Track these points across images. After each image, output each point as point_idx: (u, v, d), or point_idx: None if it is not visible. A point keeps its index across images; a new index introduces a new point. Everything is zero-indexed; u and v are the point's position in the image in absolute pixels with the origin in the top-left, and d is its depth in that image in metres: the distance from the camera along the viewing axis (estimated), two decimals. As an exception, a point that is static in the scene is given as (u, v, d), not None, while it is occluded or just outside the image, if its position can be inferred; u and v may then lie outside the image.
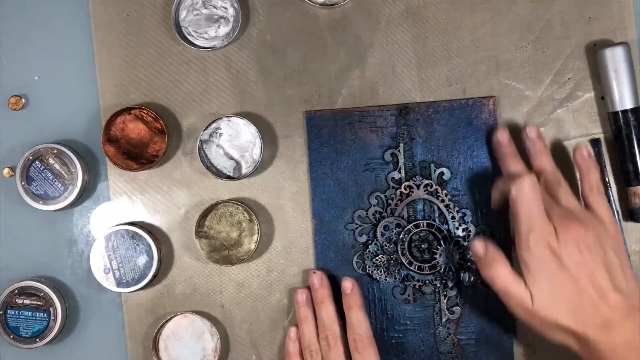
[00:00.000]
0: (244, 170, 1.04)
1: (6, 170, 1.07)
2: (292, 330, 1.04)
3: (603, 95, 1.05)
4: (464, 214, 1.05)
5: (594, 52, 1.05)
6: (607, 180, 1.05)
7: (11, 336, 1.05)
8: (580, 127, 1.06)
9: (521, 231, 0.92)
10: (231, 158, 1.04)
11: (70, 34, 1.09)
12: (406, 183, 1.06)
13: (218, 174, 1.04)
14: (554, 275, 0.91)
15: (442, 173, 1.05)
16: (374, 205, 1.06)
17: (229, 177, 1.04)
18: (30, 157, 1.05)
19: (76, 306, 1.09)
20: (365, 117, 1.06)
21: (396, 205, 1.06)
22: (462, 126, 1.05)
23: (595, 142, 1.05)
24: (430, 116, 1.06)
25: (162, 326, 1.05)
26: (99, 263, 1.05)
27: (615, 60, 1.02)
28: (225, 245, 1.05)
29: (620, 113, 1.02)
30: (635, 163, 1.02)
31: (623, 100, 1.02)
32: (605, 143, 1.06)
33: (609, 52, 1.02)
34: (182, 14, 1.06)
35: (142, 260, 1.05)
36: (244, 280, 1.07)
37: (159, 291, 1.08)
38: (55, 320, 1.05)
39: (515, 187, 0.93)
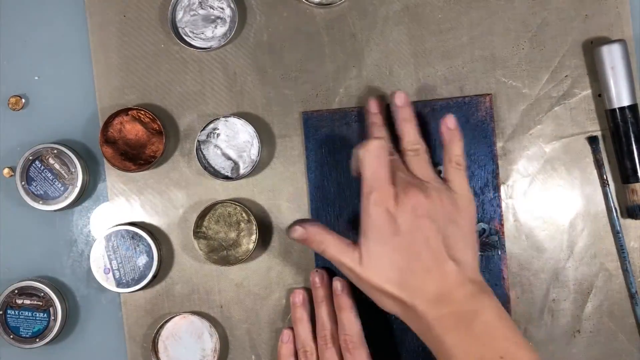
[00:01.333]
0: (242, 171, 1.04)
1: (6, 170, 1.08)
2: (285, 333, 1.04)
3: (600, 92, 1.05)
4: (462, 212, 1.05)
5: (591, 50, 1.05)
6: (605, 177, 1.05)
7: (11, 336, 1.05)
8: (578, 125, 1.06)
9: (363, 192, 0.92)
10: (229, 158, 1.04)
11: (69, 34, 1.09)
12: (404, 182, 1.05)
13: (216, 174, 1.04)
14: (386, 239, 0.90)
15: (440, 172, 1.05)
16: (373, 205, 1.06)
17: (226, 178, 1.04)
18: (30, 157, 1.05)
19: (76, 306, 1.09)
20: (362, 117, 1.06)
21: (395, 204, 1.06)
22: (458, 124, 1.05)
23: (592, 140, 1.05)
24: (426, 115, 1.06)
25: (161, 327, 1.05)
26: (99, 263, 1.05)
27: (612, 57, 1.02)
28: (224, 245, 1.05)
29: (617, 110, 1.02)
30: (632, 160, 1.02)
31: (620, 97, 1.02)
32: (603, 140, 1.06)
33: (606, 49, 1.02)
34: (179, 14, 1.06)
35: (142, 260, 1.05)
36: (243, 280, 1.07)
37: (157, 292, 1.08)
38: (55, 320, 1.05)
39: (362, 149, 0.93)
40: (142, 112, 1.04)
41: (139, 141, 1.05)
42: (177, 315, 1.05)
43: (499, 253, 1.05)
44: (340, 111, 1.06)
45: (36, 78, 1.09)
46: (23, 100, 1.08)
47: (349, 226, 1.06)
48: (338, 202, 1.06)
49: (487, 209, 1.05)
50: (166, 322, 1.05)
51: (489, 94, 1.06)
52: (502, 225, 1.06)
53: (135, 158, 1.05)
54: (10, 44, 1.10)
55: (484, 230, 1.05)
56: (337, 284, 1.02)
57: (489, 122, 1.05)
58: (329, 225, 1.05)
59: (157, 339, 1.05)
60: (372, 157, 0.92)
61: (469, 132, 1.05)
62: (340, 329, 1.00)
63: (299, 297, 1.04)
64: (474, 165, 1.05)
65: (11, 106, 1.08)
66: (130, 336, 1.08)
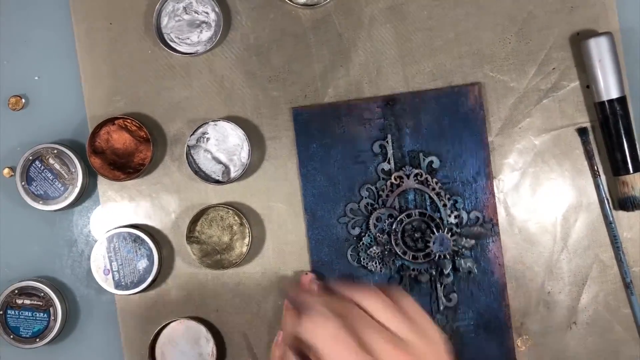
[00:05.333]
0: (233, 174, 1.05)
1: (6, 170, 1.08)
2: (280, 335, 1.04)
3: (588, 84, 1.04)
4: (455, 201, 1.06)
5: (578, 42, 1.04)
6: (596, 168, 1.05)
7: (11, 336, 1.06)
8: (567, 117, 1.06)
9: None
10: (219, 162, 1.05)
11: (64, 36, 1.09)
12: (396, 173, 1.06)
13: (207, 178, 1.04)
14: None
15: (432, 162, 1.05)
16: (365, 198, 1.06)
17: (217, 182, 1.05)
18: (30, 157, 1.05)
19: (76, 306, 1.10)
20: (352, 110, 1.06)
21: (387, 196, 1.06)
22: (448, 114, 1.05)
23: (582, 131, 1.05)
24: (416, 106, 1.06)
25: (158, 333, 1.06)
26: (99, 264, 1.06)
27: (599, 50, 1.01)
28: (217, 249, 1.05)
29: (606, 103, 1.02)
30: (622, 152, 1.02)
31: (609, 89, 1.02)
32: (593, 131, 1.06)
33: (593, 42, 1.01)
34: (164, 20, 1.06)
35: (142, 264, 1.05)
36: (238, 283, 1.08)
37: (153, 298, 1.08)
38: (55, 320, 1.06)
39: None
40: (129, 120, 1.04)
41: (127, 150, 1.05)
42: (173, 320, 1.06)
43: (494, 240, 1.05)
44: (330, 106, 1.06)
45: (36, 78, 1.10)
46: (23, 100, 1.09)
47: (343, 220, 1.07)
48: (331, 196, 1.07)
49: (480, 197, 1.06)
50: (162, 328, 1.06)
51: (477, 83, 1.06)
52: (495, 212, 1.06)
53: (124, 167, 1.05)
54: (10, 44, 1.10)
55: (477, 218, 1.05)
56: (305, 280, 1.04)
57: (479, 111, 1.05)
58: (323, 219, 1.06)
59: (154, 346, 1.06)
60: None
61: (460, 121, 1.05)
62: None
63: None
64: (466, 153, 1.06)
65: (11, 106, 1.08)
66: (127, 343, 1.08)
